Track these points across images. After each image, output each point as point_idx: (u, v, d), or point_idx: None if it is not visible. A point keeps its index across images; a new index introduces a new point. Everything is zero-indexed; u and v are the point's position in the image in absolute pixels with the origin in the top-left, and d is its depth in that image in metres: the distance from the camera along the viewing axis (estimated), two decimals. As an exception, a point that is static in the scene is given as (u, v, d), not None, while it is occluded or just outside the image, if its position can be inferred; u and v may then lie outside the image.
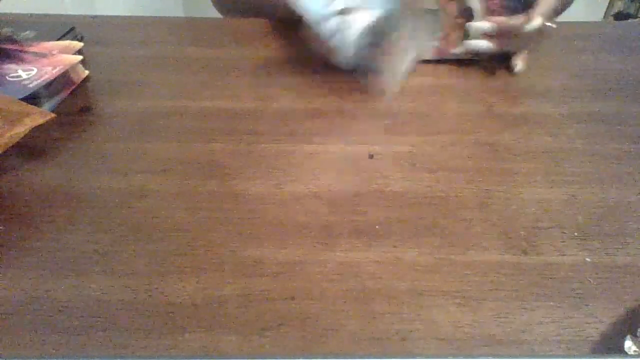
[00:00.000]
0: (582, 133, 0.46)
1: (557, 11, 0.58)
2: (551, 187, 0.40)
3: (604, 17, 1.37)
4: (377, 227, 0.36)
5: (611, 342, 0.29)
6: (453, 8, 0.53)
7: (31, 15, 0.65)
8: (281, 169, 0.41)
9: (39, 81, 0.48)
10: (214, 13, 0.77)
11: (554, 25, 0.51)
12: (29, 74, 0.49)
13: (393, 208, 0.38)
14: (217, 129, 0.46)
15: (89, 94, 0.51)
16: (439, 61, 0.56)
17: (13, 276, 0.33)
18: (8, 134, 0.40)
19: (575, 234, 0.36)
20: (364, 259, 0.34)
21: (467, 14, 0.53)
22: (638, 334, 0.28)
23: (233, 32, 0.63)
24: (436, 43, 0.54)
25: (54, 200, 0.38)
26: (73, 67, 0.51)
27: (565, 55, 0.59)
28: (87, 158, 0.43)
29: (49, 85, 0.48)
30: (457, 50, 0.55)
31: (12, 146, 0.41)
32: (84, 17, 0.66)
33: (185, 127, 0.46)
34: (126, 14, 0.69)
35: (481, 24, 0.52)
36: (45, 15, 0.65)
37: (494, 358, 0.28)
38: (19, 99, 0.44)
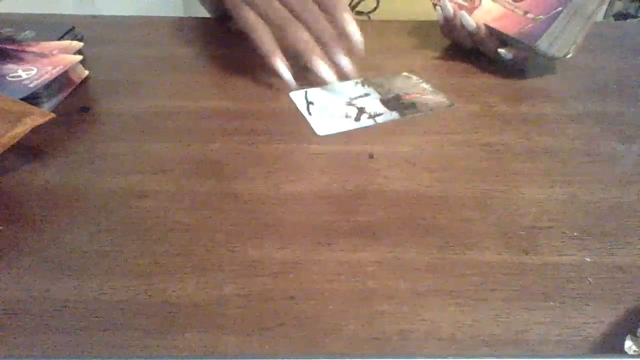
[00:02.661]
0: (582, 133, 0.46)
1: None
2: (551, 187, 0.40)
3: (604, 17, 1.37)
4: (377, 227, 0.36)
5: (611, 342, 0.29)
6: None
7: (31, 15, 0.66)
8: (281, 169, 0.41)
9: (39, 81, 0.48)
10: (214, 13, 0.77)
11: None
12: (29, 74, 0.49)
13: (393, 208, 0.38)
14: (217, 129, 0.46)
15: (89, 94, 0.51)
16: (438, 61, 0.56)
17: (13, 276, 0.33)
18: (8, 134, 0.40)
19: (575, 234, 0.36)
20: (364, 259, 0.34)
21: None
22: (638, 334, 0.28)
23: (233, 32, 0.63)
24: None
25: (54, 200, 0.38)
26: (73, 67, 0.51)
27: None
28: (87, 158, 0.43)
29: (49, 85, 0.48)
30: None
31: (12, 146, 0.41)
32: (84, 17, 0.66)
33: (185, 127, 0.46)
34: (126, 14, 0.69)
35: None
36: (45, 15, 0.65)
37: (494, 358, 0.28)
38: (19, 99, 0.44)
